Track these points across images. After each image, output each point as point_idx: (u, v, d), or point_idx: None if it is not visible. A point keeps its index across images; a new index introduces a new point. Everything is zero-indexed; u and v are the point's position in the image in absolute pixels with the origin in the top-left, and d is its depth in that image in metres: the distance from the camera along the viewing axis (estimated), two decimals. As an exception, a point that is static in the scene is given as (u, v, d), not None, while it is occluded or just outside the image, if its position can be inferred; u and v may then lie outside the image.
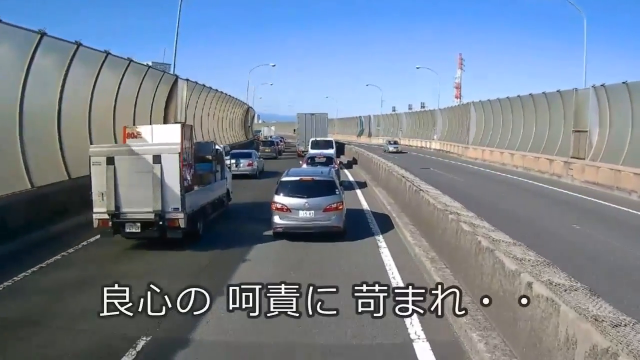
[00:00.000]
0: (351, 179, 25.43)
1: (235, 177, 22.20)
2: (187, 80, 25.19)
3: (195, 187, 12.06)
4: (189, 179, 11.45)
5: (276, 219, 11.59)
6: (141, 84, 19.76)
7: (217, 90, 33.58)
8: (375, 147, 57.65)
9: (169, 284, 5.71)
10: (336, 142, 34.74)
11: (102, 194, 10.16)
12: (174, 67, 23.40)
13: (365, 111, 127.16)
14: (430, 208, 10.45)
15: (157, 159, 10.12)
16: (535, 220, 15.34)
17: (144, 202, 10.13)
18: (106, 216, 10.21)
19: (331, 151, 29.03)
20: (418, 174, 18.72)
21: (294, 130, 48.07)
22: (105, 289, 5.17)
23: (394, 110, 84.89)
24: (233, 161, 22.78)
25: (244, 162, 24.77)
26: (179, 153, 10.29)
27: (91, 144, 14.38)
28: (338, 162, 26.29)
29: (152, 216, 10.18)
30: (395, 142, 58.16)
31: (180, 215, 10.32)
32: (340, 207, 11.72)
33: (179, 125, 11.91)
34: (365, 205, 17.05)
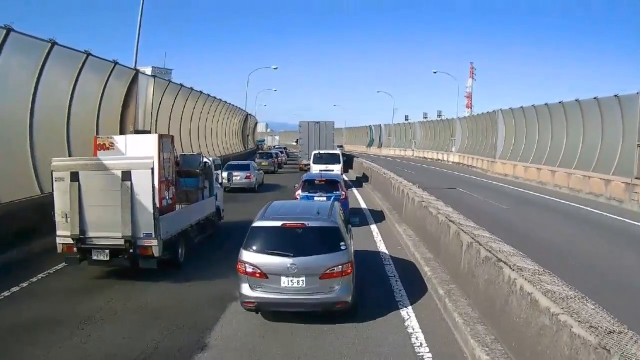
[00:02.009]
0: (363, 205, 19.84)
1: (232, 190, 21.87)
2: (155, 77, 19.87)
3: (178, 207, 11.08)
4: (168, 197, 10.40)
5: (245, 290, 7.32)
6: (77, 77, 14.45)
7: (201, 92, 27.95)
8: (390, 159, 51.96)
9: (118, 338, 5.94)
10: (344, 155, 29.50)
11: (66, 215, 8.94)
12: (136, 61, 18.04)
13: (376, 120, 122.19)
14: (541, 319, 4.83)
15: (127, 175, 8.78)
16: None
17: (113, 226, 8.87)
18: (70, 241, 8.98)
19: (337, 168, 23.96)
20: (456, 204, 13.56)
21: (297, 140, 42.88)
22: None
23: (406, 119, 79.31)
24: (226, 174, 20.79)
25: (241, 175, 23.24)
26: (153, 168, 8.95)
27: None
28: (345, 181, 20.93)
29: (121, 242, 8.89)
30: None
31: (154, 243, 8.96)
32: (349, 271, 7.29)
33: (156, 136, 10.62)
34: (384, 250, 11.91)
